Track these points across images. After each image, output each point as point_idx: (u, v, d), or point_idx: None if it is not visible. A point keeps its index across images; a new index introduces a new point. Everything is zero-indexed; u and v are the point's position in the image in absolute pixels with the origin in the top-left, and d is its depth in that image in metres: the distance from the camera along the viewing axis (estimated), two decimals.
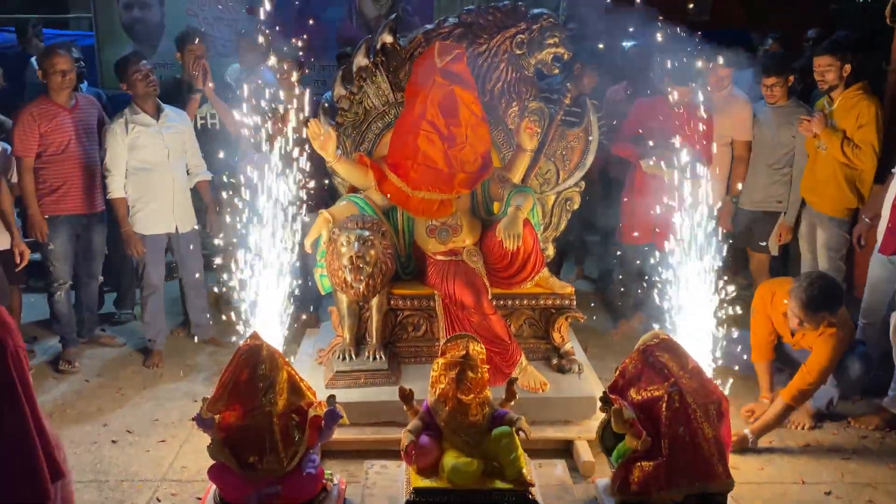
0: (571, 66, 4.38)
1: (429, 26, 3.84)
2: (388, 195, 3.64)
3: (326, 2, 6.54)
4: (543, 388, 3.51)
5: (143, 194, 4.19)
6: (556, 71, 3.92)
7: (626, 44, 6.27)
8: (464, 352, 2.93)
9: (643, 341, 2.93)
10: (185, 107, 4.51)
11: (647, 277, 4.24)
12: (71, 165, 4.16)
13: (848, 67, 3.95)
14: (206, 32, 6.17)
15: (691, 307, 3.55)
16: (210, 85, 4.58)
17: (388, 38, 3.80)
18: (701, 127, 3.99)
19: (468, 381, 2.88)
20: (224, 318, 3.81)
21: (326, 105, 3.90)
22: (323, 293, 3.84)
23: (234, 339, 3.43)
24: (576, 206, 4.07)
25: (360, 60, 3.81)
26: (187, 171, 4.36)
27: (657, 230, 4.09)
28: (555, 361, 3.73)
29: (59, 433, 3.45)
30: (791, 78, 4.33)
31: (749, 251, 4.68)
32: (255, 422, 2.74)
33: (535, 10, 3.81)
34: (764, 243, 4.38)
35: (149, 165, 4.16)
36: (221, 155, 4.14)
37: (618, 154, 4.52)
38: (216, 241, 4.17)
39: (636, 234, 4.48)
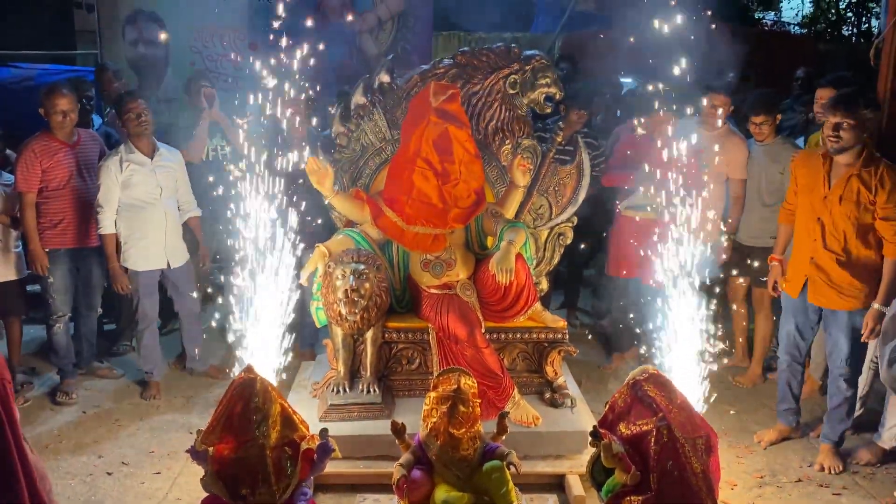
0: (564, 104, 4.47)
1: (425, 67, 3.96)
2: (384, 230, 3.71)
3: (328, 40, 6.70)
4: (536, 422, 3.53)
5: (134, 231, 4.25)
6: (549, 110, 4.03)
7: (626, 80, 6.43)
8: (455, 386, 2.97)
9: (632, 376, 2.97)
10: (195, 129, 4.65)
11: (637, 311, 4.29)
12: (71, 200, 4.25)
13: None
14: (209, 69, 6.35)
15: (683, 342, 3.60)
16: (215, 108, 4.69)
17: (385, 78, 3.92)
18: (681, 156, 3.90)
19: (459, 416, 2.92)
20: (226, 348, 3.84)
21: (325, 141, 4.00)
22: (319, 326, 3.89)
23: (229, 371, 3.47)
24: (568, 241, 4.15)
25: (358, 98, 3.92)
26: (178, 207, 4.44)
27: (643, 264, 4.14)
28: (547, 395, 3.76)
29: (54, 464, 3.52)
30: (779, 116, 4.42)
31: (751, 285, 4.72)
32: (248, 454, 2.77)
33: (528, 52, 3.92)
34: (764, 278, 4.43)
35: (141, 203, 4.24)
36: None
37: (608, 184, 4.61)
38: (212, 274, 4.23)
39: (624, 271, 4.54)
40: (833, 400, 3.69)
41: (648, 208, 4.32)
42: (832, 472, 3.60)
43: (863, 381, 3.77)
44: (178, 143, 4.56)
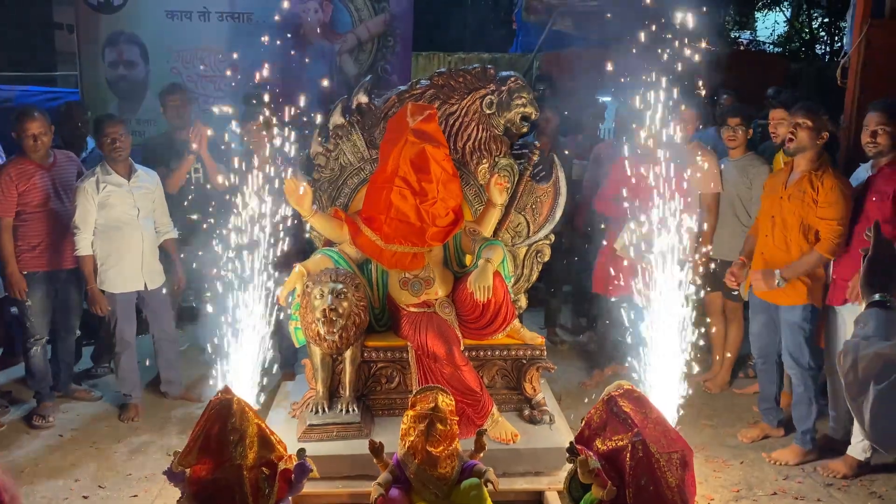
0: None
1: (402, 87, 4.00)
2: (362, 248, 3.73)
3: (308, 60, 6.74)
4: (514, 439, 3.55)
5: (112, 252, 4.25)
6: (525, 129, 4.08)
7: (605, 98, 6.52)
8: (433, 404, 2.98)
9: (607, 391, 3.00)
10: (177, 163, 4.62)
11: (621, 330, 4.33)
12: (49, 222, 4.24)
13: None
14: (190, 89, 6.37)
15: (664, 359, 3.66)
16: (204, 149, 4.69)
17: (364, 98, 3.95)
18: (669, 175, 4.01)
19: (437, 434, 2.93)
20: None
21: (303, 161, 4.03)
22: (297, 346, 3.89)
23: (204, 394, 3.46)
24: (546, 258, 4.18)
25: (337, 119, 3.95)
26: (155, 229, 4.44)
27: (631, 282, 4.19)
28: (527, 412, 3.78)
29: (30, 489, 3.48)
30: (750, 131, 4.52)
31: (723, 298, 4.79)
32: (225, 475, 2.76)
33: (504, 73, 3.98)
34: (736, 292, 4.52)
35: (118, 224, 4.24)
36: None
37: (601, 210, 4.68)
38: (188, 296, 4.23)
39: (610, 287, 4.59)
40: (793, 398, 3.93)
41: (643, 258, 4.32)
42: (777, 463, 3.85)
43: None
44: (155, 165, 4.57)
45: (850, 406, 1.62)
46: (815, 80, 7.17)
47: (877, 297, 1.70)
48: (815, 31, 13.51)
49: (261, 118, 4.32)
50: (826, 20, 13.13)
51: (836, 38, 12.38)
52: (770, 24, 14.71)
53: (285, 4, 6.51)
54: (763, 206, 4.03)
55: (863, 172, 3.87)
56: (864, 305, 1.74)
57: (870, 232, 1.82)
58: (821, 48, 13.10)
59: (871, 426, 1.55)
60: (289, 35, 6.45)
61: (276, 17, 6.42)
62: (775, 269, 3.82)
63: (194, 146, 4.61)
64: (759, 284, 3.94)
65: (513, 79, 3.97)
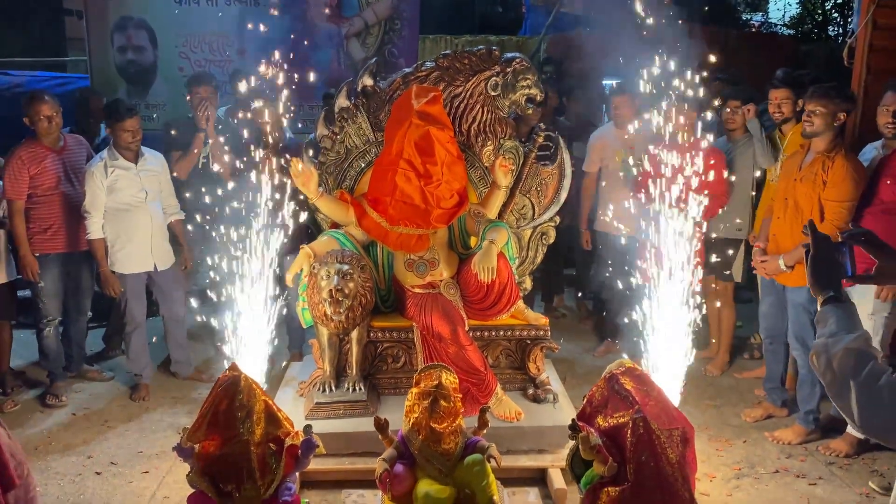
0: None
1: (407, 70, 4.02)
2: (368, 230, 3.77)
3: (315, 44, 6.76)
4: (518, 417, 3.60)
5: (121, 234, 4.31)
6: (530, 111, 4.10)
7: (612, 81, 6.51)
8: (437, 381, 3.03)
9: (609, 369, 3.03)
10: (179, 162, 4.68)
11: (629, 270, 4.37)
12: (60, 205, 4.30)
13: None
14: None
15: (666, 339, 3.69)
16: (211, 129, 4.72)
17: (369, 81, 3.98)
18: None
19: (441, 410, 2.98)
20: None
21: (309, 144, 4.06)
22: (304, 326, 3.94)
23: (214, 374, 3.52)
24: (551, 240, 4.21)
25: (342, 102, 3.98)
26: (163, 210, 4.48)
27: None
28: (530, 391, 3.83)
29: (43, 465, 3.56)
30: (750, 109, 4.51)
31: (715, 279, 4.80)
32: (233, 451, 2.82)
33: (509, 54, 3.99)
34: (728, 272, 4.53)
35: (127, 207, 4.29)
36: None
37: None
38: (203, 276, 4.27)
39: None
40: (798, 378, 3.96)
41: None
42: (780, 443, 3.88)
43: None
44: (165, 149, 4.61)
45: (837, 407, 1.63)
46: (825, 62, 7.11)
47: (830, 293, 1.72)
48: (828, 13, 13.35)
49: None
50: (839, 1, 12.98)
51: (849, 20, 12.24)
52: (782, 6, 14.59)
53: None
54: (779, 187, 4.02)
55: (871, 151, 3.85)
56: (819, 304, 1.74)
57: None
58: (833, 30, 12.95)
59: (861, 420, 1.57)
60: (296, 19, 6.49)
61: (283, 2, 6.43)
62: (779, 256, 3.82)
63: (202, 124, 4.65)
64: (763, 270, 3.95)
65: (518, 60, 3.98)
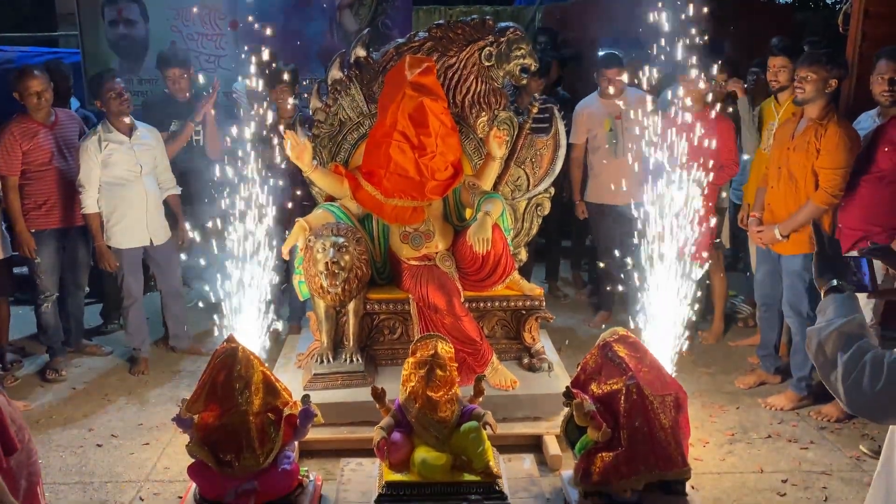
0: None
1: (400, 40, 3.99)
2: (363, 203, 3.77)
3: (308, 16, 6.69)
4: (514, 385, 3.64)
5: (116, 209, 4.30)
6: (524, 81, 4.08)
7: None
8: (432, 351, 3.06)
9: (602, 337, 3.06)
10: (179, 129, 4.65)
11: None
12: (54, 180, 4.29)
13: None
14: (189, 48, 6.35)
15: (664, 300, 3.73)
16: (212, 112, 4.68)
17: (361, 52, 3.95)
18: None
19: (437, 379, 3.02)
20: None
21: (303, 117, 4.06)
22: (301, 299, 3.97)
23: (212, 347, 3.54)
24: (546, 212, 4.22)
25: (335, 74, 3.96)
26: (158, 185, 4.48)
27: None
28: (526, 361, 3.87)
29: (45, 438, 3.61)
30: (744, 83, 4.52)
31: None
32: (231, 421, 2.86)
33: (502, 24, 3.96)
34: (718, 240, 4.56)
35: (122, 181, 4.28)
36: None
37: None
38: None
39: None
40: (791, 346, 4.01)
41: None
42: (772, 408, 3.94)
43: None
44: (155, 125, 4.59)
45: (827, 386, 1.69)
46: (821, 29, 7.06)
47: (833, 283, 1.79)
48: None
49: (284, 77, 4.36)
50: None
51: None
52: None
53: None
54: (772, 156, 4.02)
55: (868, 120, 3.84)
56: (822, 294, 1.82)
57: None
58: None
59: (847, 398, 1.62)
60: None
61: None
62: (774, 226, 3.84)
63: (199, 118, 4.62)
64: (759, 240, 3.97)
65: (511, 30, 3.95)
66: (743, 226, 4.45)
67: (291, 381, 3.65)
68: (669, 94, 4.32)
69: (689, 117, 3.90)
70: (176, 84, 4.74)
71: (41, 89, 4.17)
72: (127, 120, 4.29)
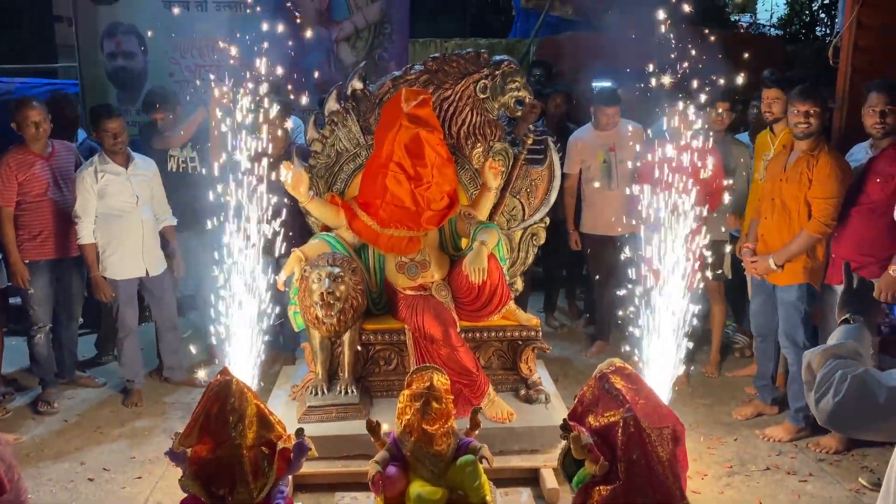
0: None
1: (396, 73, 4.03)
2: (359, 233, 3.78)
3: (306, 48, 6.76)
4: (510, 418, 3.61)
5: (112, 239, 4.30)
6: (519, 113, 4.12)
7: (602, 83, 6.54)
8: (428, 383, 3.04)
9: (599, 369, 3.05)
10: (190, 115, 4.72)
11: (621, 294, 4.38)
12: (49, 211, 4.29)
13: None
14: (187, 80, 6.42)
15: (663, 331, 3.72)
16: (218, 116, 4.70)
17: (358, 85, 3.99)
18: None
19: (433, 412, 2.99)
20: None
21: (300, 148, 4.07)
22: (297, 330, 3.95)
23: (207, 379, 3.52)
24: (542, 241, 4.23)
25: (332, 105, 3.99)
26: (154, 216, 4.48)
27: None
28: (522, 392, 3.84)
29: (35, 472, 3.56)
30: (732, 115, 4.56)
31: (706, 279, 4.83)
32: (225, 454, 2.83)
33: (497, 57, 4.00)
34: (720, 271, 4.57)
35: (118, 212, 4.28)
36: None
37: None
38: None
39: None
40: (788, 376, 3.99)
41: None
42: (770, 440, 3.91)
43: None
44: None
45: (808, 402, 1.75)
46: (812, 62, 7.17)
47: (846, 316, 1.90)
48: (815, 13, 13.43)
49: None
50: (826, 2, 13.06)
51: (836, 20, 12.33)
52: (770, 7, 14.64)
53: None
54: (765, 187, 4.04)
55: (861, 152, 3.87)
56: (837, 323, 1.91)
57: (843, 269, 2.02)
58: (820, 30, 13.02)
59: (815, 407, 1.69)
60: (286, 24, 6.47)
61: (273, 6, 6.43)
62: (768, 256, 3.85)
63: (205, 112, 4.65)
64: (754, 270, 3.98)
65: (506, 63, 4.00)
66: (740, 256, 4.46)
67: (286, 413, 3.62)
68: (664, 124, 4.36)
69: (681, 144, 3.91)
70: (164, 120, 4.77)
71: (39, 119, 4.19)
72: (124, 152, 4.31)
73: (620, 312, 4.04)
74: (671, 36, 4.41)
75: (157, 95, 4.97)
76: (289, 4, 6.56)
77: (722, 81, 4.60)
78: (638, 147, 4.63)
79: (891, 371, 1.62)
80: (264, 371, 3.98)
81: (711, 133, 4.59)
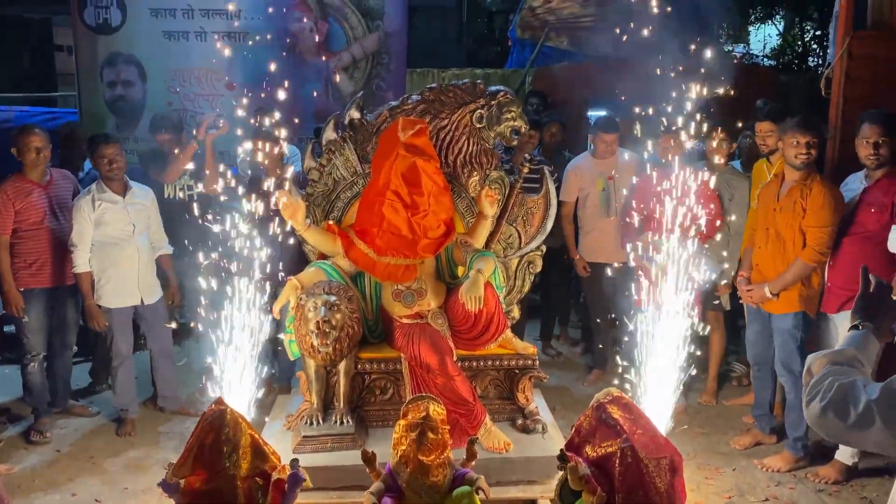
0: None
1: (394, 103, 4.06)
2: (355, 261, 3.78)
3: (303, 77, 6.83)
4: (507, 448, 3.57)
5: (107, 268, 4.30)
6: (515, 142, 4.15)
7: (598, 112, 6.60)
8: (424, 413, 3.02)
9: (596, 399, 3.03)
10: (166, 170, 4.69)
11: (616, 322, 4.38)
12: (46, 240, 4.29)
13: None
14: (186, 109, 6.46)
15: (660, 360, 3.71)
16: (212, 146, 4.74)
17: (356, 114, 4.02)
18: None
19: (429, 442, 2.97)
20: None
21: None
22: (292, 358, 3.92)
23: (201, 408, 3.49)
24: (538, 269, 4.23)
25: (329, 134, 4.02)
26: (151, 244, 4.49)
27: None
28: (520, 422, 3.81)
29: (26, 503, 3.49)
30: (734, 144, 4.59)
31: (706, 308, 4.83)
32: (219, 485, 2.79)
33: (493, 88, 4.04)
34: (717, 301, 4.57)
35: (114, 240, 4.29)
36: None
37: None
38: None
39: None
40: (786, 405, 3.97)
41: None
42: (769, 470, 3.88)
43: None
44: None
45: (803, 405, 1.76)
46: (805, 92, 7.26)
47: (857, 321, 1.88)
48: (807, 44, 13.63)
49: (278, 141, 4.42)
50: (818, 33, 13.27)
51: (828, 50, 12.51)
52: (763, 37, 14.86)
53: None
54: (759, 217, 4.07)
55: (855, 182, 3.89)
56: (848, 328, 1.89)
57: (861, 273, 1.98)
58: (813, 60, 13.22)
59: (805, 409, 1.72)
60: (284, 53, 6.56)
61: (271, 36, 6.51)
62: (764, 284, 3.86)
63: (200, 136, 4.68)
64: (749, 299, 3.98)
65: (502, 93, 4.03)
66: (736, 285, 4.47)
67: (280, 442, 3.58)
68: (658, 153, 4.40)
69: (676, 173, 3.95)
70: (168, 149, 4.81)
71: (41, 145, 4.22)
72: (121, 181, 4.33)
73: (617, 340, 4.04)
74: (666, 66, 4.46)
75: (165, 118, 5.03)
76: (288, 40, 6.64)
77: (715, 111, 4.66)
78: (635, 179, 4.67)
79: (876, 384, 1.64)
80: (259, 400, 3.95)
81: (708, 163, 4.65)
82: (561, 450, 3.02)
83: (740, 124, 5.01)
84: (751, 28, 14.69)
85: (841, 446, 3.76)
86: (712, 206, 4.35)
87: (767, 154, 4.35)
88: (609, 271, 4.77)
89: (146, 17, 6.59)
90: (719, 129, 4.54)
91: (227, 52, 5.93)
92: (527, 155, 4.48)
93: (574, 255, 5.14)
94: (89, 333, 4.85)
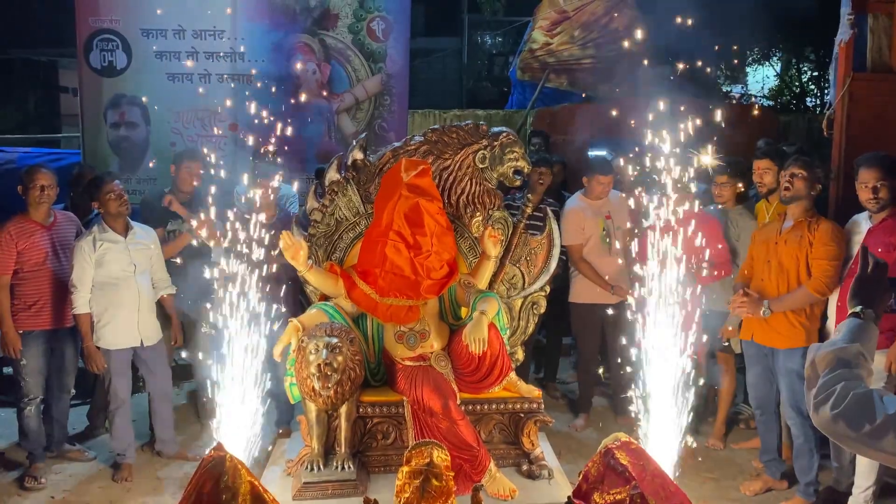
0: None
1: (396, 143, 4.08)
2: (358, 302, 3.74)
3: (306, 118, 6.89)
4: (512, 494, 3.48)
5: (108, 308, 4.25)
6: (518, 183, 4.15)
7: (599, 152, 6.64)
8: (428, 459, 2.95)
9: (604, 444, 2.96)
10: (175, 231, 4.69)
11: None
12: (47, 281, 4.26)
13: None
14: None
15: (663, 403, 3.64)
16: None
17: (359, 155, 4.02)
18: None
19: (433, 490, 2.89)
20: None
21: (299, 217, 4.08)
22: (293, 402, 3.86)
23: (200, 452, 3.42)
24: (542, 310, 4.19)
25: (332, 175, 4.02)
26: (153, 285, 4.45)
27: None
28: (525, 467, 3.73)
29: None
30: (741, 185, 4.59)
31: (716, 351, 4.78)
32: None
33: (496, 128, 4.06)
34: (727, 343, 4.51)
35: (115, 280, 4.25)
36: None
37: None
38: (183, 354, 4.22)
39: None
40: (794, 449, 3.89)
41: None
42: None
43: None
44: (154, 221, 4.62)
45: (806, 401, 1.76)
46: (804, 132, 7.31)
47: (857, 308, 1.83)
48: (805, 85, 13.79)
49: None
50: (815, 74, 13.43)
51: (825, 91, 12.65)
52: (760, 78, 15.04)
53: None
54: (757, 254, 4.06)
55: (864, 223, 3.86)
56: (847, 314, 1.85)
57: (860, 252, 1.94)
58: (811, 101, 13.36)
59: (812, 411, 1.70)
60: (292, 99, 6.63)
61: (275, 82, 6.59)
62: (764, 299, 3.85)
63: (191, 223, 4.65)
64: (744, 310, 3.92)
65: (505, 134, 4.05)
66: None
67: (280, 489, 3.50)
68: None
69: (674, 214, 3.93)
70: (192, 174, 4.79)
71: (47, 183, 4.22)
72: (123, 220, 4.31)
73: (621, 388, 3.97)
74: (664, 108, 4.49)
75: (187, 150, 5.04)
76: (292, 82, 6.72)
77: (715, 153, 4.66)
78: (629, 224, 4.68)
79: (893, 396, 1.62)
80: (259, 445, 3.87)
81: (715, 206, 4.64)
82: (568, 497, 2.94)
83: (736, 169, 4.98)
84: (748, 69, 14.88)
85: (854, 491, 3.67)
86: (719, 246, 4.34)
87: (766, 194, 4.34)
88: (610, 311, 4.72)
89: (151, 60, 6.68)
90: (726, 170, 4.53)
91: (228, 101, 5.98)
92: (530, 195, 4.47)
93: (607, 288, 4.98)
94: (88, 375, 4.78)
